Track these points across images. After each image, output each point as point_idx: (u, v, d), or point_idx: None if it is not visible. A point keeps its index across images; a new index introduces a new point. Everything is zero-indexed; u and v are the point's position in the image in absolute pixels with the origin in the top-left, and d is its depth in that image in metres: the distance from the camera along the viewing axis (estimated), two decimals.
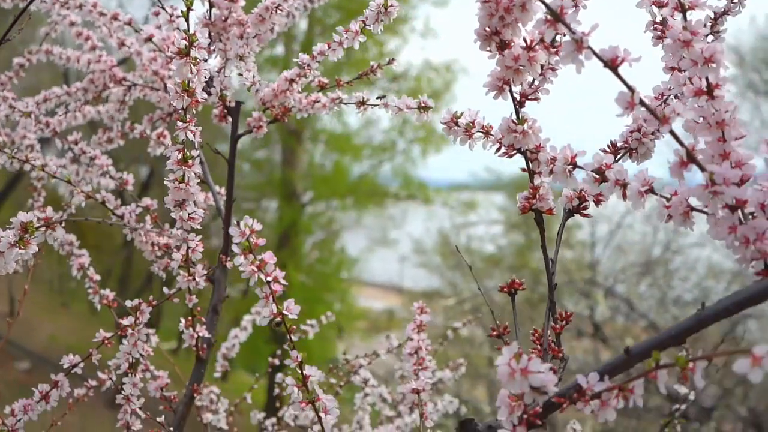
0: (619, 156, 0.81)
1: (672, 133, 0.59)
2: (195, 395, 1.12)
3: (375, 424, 1.52)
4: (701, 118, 0.63)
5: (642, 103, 0.59)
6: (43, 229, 0.77)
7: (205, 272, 1.03)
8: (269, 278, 0.72)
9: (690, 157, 0.60)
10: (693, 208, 0.63)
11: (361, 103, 1.08)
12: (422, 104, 0.98)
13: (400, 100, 1.02)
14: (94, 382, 1.26)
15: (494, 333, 0.74)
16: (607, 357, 7.17)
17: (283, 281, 0.73)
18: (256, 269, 0.72)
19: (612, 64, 0.59)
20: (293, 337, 0.76)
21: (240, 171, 11.81)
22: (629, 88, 0.59)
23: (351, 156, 11.85)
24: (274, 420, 1.49)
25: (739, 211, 0.61)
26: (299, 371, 0.75)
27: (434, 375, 1.68)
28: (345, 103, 1.11)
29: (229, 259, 1.10)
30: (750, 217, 0.61)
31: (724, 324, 6.36)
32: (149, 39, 1.15)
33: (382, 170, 11.98)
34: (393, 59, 1.16)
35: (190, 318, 1.08)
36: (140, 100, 1.42)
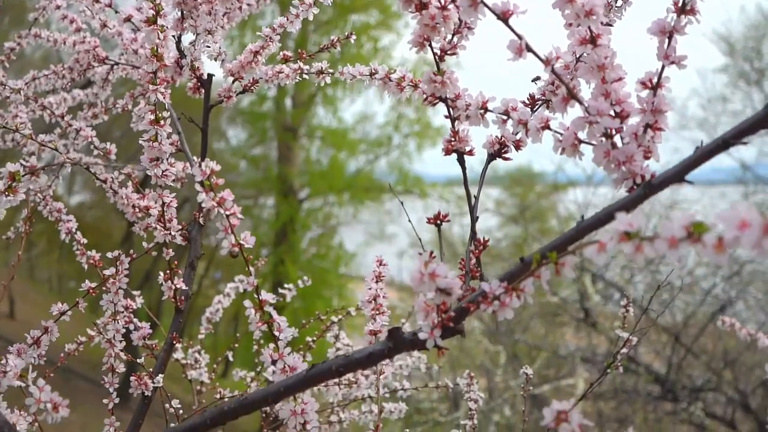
0: (537, 106, 0.91)
1: (554, 73, 0.70)
2: (174, 343, 1.23)
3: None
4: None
5: (528, 48, 0.69)
6: (28, 176, 0.88)
7: (180, 227, 1.14)
8: (228, 212, 0.83)
9: (570, 94, 0.71)
10: (581, 141, 0.74)
11: (320, 72, 1.20)
12: (373, 71, 1.08)
13: (353, 68, 1.12)
14: (83, 339, 1.36)
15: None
16: (600, 343, 7.29)
17: (240, 215, 0.83)
18: (216, 204, 0.83)
19: (504, 16, 0.69)
20: (250, 269, 0.87)
21: (237, 168, 11.91)
22: (518, 36, 0.70)
23: (347, 151, 11.94)
24: (252, 374, 1.60)
25: (619, 140, 0.72)
26: (256, 296, 0.86)
27: None
28: (306, 73, 1.22)
29: (201, 216, 1.20)
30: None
31: (713, 306, 6.47)
32: (128, 19, 1.25)
33: (378, 165, 12.08)
34: (351, 34, 1.27)
35: (168, 271, 1.19)
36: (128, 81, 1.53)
